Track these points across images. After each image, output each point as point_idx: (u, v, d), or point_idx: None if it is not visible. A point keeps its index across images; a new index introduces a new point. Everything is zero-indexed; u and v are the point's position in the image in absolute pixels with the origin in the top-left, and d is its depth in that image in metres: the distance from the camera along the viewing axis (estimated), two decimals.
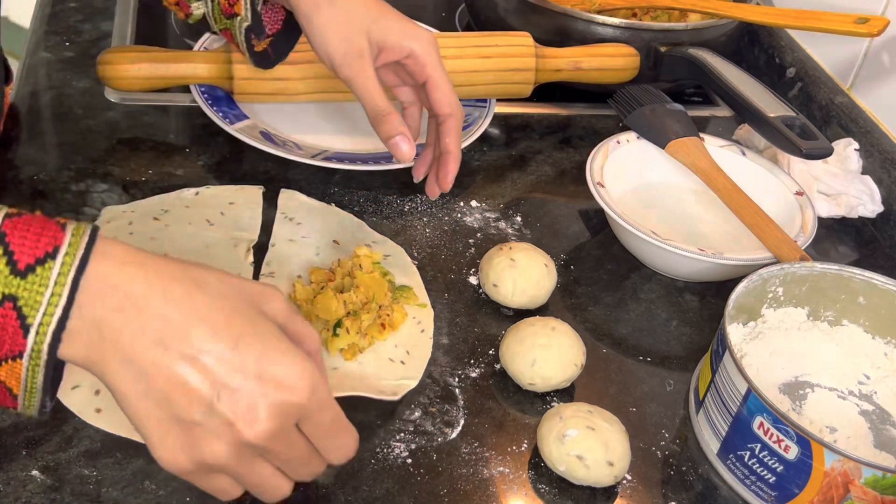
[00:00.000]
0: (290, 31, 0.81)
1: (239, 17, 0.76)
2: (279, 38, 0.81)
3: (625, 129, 0.90)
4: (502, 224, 0.86)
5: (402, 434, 0.65)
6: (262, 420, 0.47)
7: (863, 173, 0.93)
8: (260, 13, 0.76)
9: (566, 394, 0.70)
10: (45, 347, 0.45)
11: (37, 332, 0.45)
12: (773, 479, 0.61)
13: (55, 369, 0.47)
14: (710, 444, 0.66)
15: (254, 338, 0.48)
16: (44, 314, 0.45)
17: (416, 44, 0.71)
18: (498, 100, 0.97)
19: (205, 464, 0.48)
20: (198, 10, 0.80)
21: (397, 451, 0.64)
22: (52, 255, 0.45)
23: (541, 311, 0.76)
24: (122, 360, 0.46)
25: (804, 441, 0.58)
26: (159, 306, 0.46)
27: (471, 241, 0.83)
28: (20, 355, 0.45)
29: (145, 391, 0.47)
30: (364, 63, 0.70)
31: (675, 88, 1.03)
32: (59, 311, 0.45)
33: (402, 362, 0.69)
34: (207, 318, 0.47)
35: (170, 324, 0.46)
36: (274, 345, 0.48)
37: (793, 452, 0.59)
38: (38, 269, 0.45)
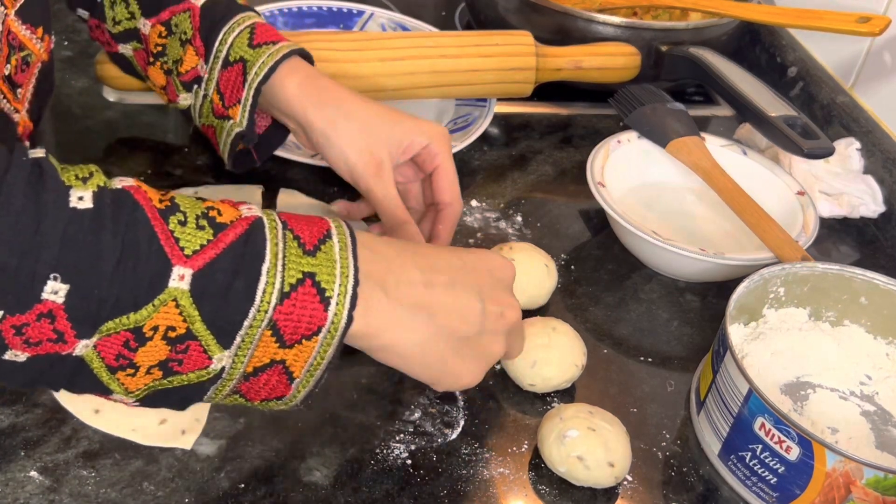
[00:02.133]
0: (273, 135, 0.81)
1: (231, 122, 0.75)
2: (262, 142, 0.80)
3: (625, 128, 0.90)
4: (502, 224, 0.86)
5: (401, 435, 0.65)
6: (513, 301, 0.58)
7: (864, 173, 0.93)
8: (254, 120, 0.75)
9: (567, 394, 0.70)
10: (343, 317, 0.49)
11: (336, 303, 0.49)
12: (775, 479, 0.61)
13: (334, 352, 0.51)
14: (712, 445, 0.66)
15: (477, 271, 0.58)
16: (339, 285, 0.49)
17: (432, 136, 0.73)
18: (498, 99, 0.97)
19: (492, 362, 0.58)
20: (184, 101, 0.78)
21: (397, 451, 0.63)
22: (329, 236, 0.51)
23: (541, 311, 0.76)
24: (403, 312, 0.52)
25: (805, 442, 0.58)
26: (410, 259, 0.54)
27: (471, 241, 0.83)
28: (318, 331, 0.49)
29: (433, 335, 0.54)
30: (383, 174, 0.71)
31: (675, 88, 1.03)
32: (350, 281, 0.50)
33: None
34: (449, 264, 0.56)
35: (423, 269, 0.54)
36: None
37: (794, 453, 0.59)
38: (323, 248, 0.50)
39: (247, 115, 0.73)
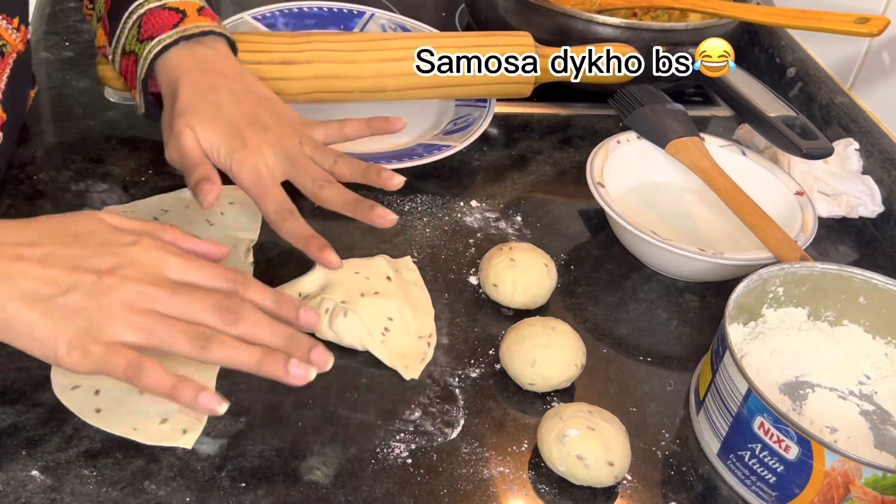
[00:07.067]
0: None
1: (136, 102, 0.79)
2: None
3: (625, 128, 0.90)
4: (502, 224, 0.86)
5: (402, 434, 0.65)
6: (115, 260, 0.56)
7: (863, 173, 0.93)
8: (150, 100, 0.78)
9: (566, 394, 0.70)
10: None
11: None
12: (774, 479, 0.61)
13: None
14: (711, 445, 0.66)
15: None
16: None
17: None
18: (498, 100, 0.97)
19: (110, 332, 0.53)
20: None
21: (397, 451, 0.64)
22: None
23: (541, 311, 0.76)
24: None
25: (805, 441, 0.58)
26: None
27: (471, 241, 0.83)
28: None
29: (9, 299, 0.53)
30: (174, 134, 0.72)
31: (675, 88, 1.03)
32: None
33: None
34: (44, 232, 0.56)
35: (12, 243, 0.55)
36: None
37: (793, 452, 0.59)
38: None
39: (142, 101, 0.78)
